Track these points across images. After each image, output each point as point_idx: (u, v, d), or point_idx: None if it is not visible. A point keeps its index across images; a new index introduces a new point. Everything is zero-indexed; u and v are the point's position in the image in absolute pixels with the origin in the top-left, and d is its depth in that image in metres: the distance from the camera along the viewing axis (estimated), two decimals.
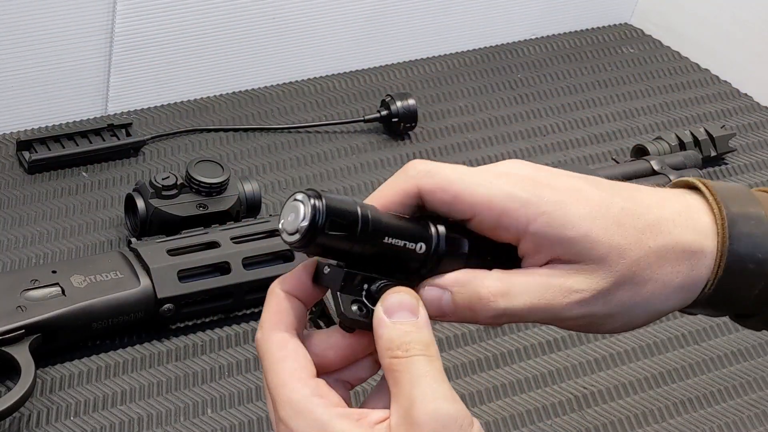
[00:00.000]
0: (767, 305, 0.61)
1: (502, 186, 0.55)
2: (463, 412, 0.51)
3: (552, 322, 0.57)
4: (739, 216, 0.59)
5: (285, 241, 0.54)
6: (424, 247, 0.55)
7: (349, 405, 0.55)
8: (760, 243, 0.59)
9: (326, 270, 0.55)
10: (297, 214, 0.53)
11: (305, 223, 0.52)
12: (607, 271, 0.56)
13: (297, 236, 0.53)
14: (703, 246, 0.58)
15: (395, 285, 0.54)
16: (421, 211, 0.57)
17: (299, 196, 0.53)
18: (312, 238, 0.53)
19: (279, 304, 0.55)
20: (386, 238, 0.54)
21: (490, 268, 0.57)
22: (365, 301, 0.54)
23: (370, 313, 0.54)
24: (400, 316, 0.53)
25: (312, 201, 0.52)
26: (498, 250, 0.57)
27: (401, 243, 0.55)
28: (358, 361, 0.56)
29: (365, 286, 0.54)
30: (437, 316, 0.55)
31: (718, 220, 0.58)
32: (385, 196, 0.56)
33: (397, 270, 0.55)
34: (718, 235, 0.58)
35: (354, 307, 0.54)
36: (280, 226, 0.54)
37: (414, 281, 0.56)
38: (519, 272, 0.56)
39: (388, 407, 0.52)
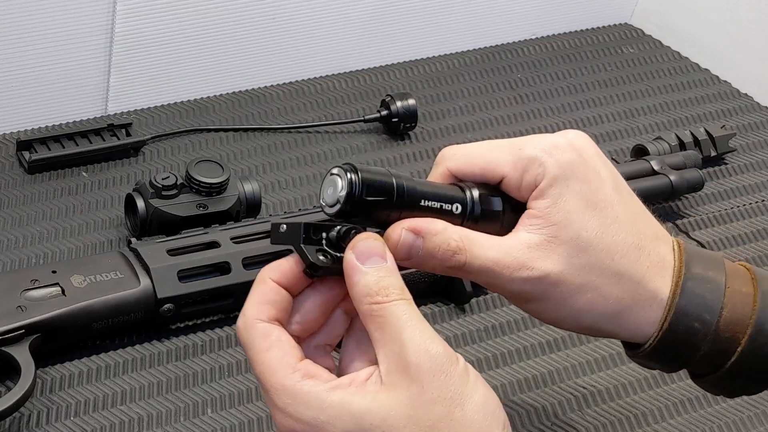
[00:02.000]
0: (717, 368, 0.63)
1: (524, 149, 0.61)
2: (450, 351, 0.54)
3: (496, 287, 0.61)
4: (697, 277, 0.61)
5: (327, 214, 0.57)
6: (460, 207, 0.59)
7: (334, 371, 0.57)
8: (710, 305, 0.61)
9: (282, 229, 0.57)
10: (335, 187, 0.56)
11: (343, 193, 0.55)
12: (562, 256, 0.59)
13: (338, 206, 0.56)
14: (655, 291, 0.61)
15: (354, 229, 0.56)
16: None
17: (335, 170, 0.56)
18: (351, 207, 0.56)
19: (265, 294, 0.56)
20: (423, 201, 0.58)
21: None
22: (327, 249, 0.56)
23: (335, 259, 0.56)
24: (373, 262, 0.55)
25: (348, 174, 0.55)
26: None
27: (437, 205, 0.58)
28: (331, 318, 0.59)
29: (323, 234, 0.56)
30: (403, 258, 0.58)
31: (674, 276, 0.61)
32: None
33: None
34: (670, 290, 0.61)
35: (320, 256, 0.56)
36: (321, 201, 0.57)
37: None
38: (484, 235, 0.60)
39: (366, 364, 0.55)
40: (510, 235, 0.60)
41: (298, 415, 0.53)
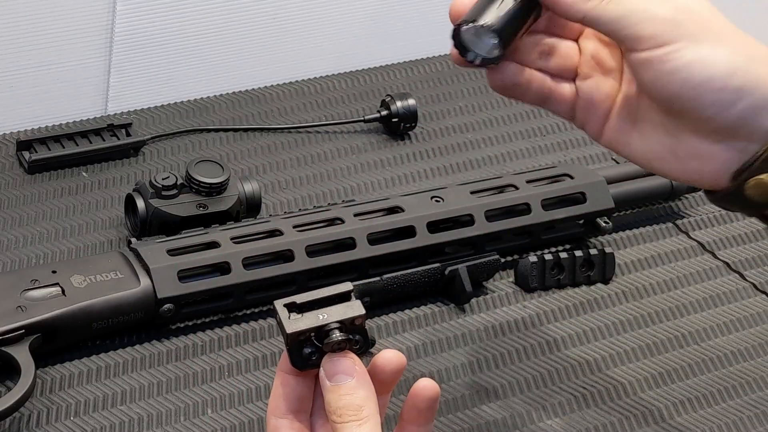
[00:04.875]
0: None
1: None
2: None
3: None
4: None
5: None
6: None
7: None
8: None
9: (277, 318, 0.59)
10: None
11: None
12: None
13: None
14: None
15: (332, 336, 0.58)
16: None
17: None
18: None
19: (277, 388, 0.61)
20: None
21: None
22: (315, 343, 0.59)
23: (321, 355, 0.59)
24: (338, 379, 0.58)
25: None
26: None
27: None
28: None
29: (312, 334, 0.59)
30: None
31: None
32: None
33: None
34: None
35: (307, 350, 0.59)
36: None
37: None
38: None
39: None
40: None
41: None
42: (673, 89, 0.59)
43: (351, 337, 0.59)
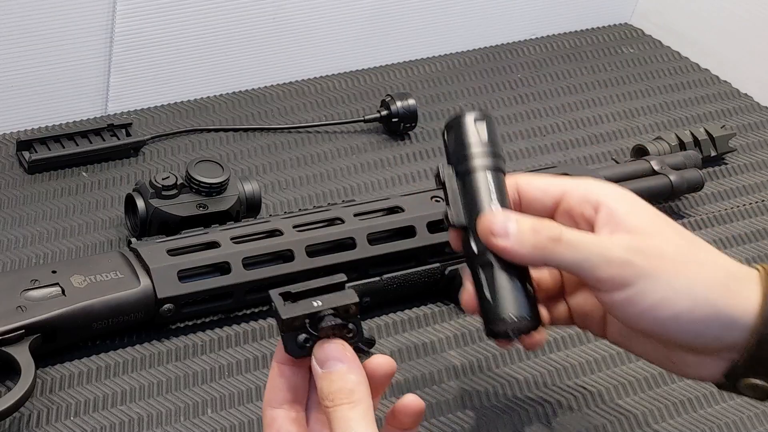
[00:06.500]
0: None
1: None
2: None
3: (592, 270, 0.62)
4: None
5: None
6: None
7: None
8: None
9: (273, 306, 0.60)
10: None
11: None
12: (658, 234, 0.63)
13: None
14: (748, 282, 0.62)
15: (326, 319, 0.60)
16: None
17: None
18: None
19: (272, 379, 0.62)
20: None
21: None
22: (310, 330, 0.60)
23: (314, 341, 0.60)
24: (329, 366, 0.59)
25: None
26: None
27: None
28: None
29: (306, 321, 0.60)
30: (501, 233, 0.62)
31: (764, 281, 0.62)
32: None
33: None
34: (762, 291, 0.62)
35: (301, 336, 0.60)
36: None
37: None
38: None
39: None
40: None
41: None
42: (644, 326, 0.62)
43: (345, 323, 0.60)
